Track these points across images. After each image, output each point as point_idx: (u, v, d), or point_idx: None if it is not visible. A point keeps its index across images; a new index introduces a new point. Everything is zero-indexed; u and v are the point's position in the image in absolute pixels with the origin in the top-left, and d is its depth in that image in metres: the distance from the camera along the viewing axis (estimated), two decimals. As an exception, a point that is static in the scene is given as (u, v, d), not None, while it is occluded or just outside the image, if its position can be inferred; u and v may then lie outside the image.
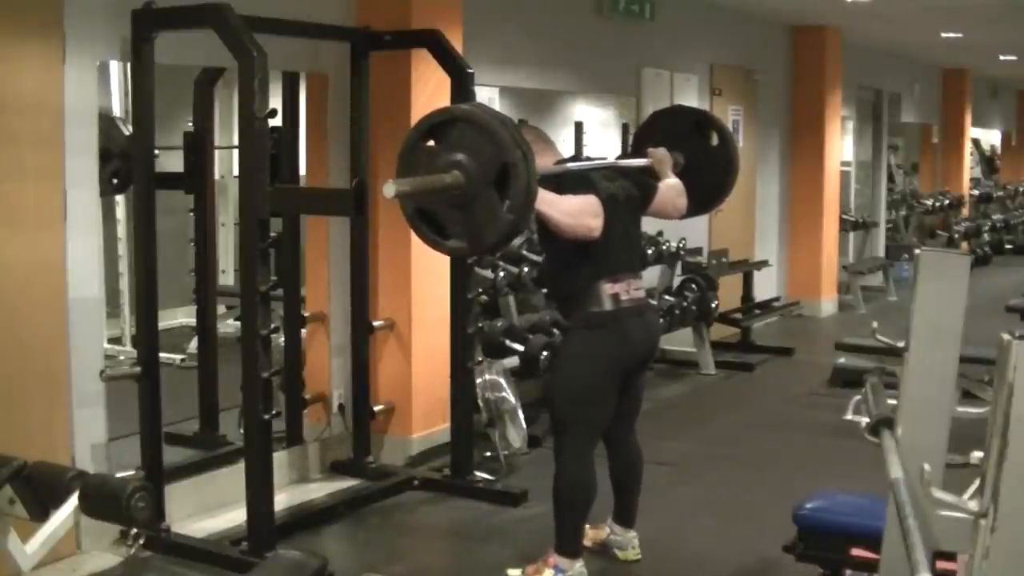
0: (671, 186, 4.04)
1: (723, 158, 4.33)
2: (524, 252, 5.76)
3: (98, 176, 4.37)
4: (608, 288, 3.73)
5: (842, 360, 6.88)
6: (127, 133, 4.85)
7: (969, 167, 14.92)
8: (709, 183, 4.30)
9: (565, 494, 3.77)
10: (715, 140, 4.36)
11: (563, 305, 3.99)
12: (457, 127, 3.26)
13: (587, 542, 4.02)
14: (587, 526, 4.04)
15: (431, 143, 3.29)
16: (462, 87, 4.75)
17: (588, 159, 3.85)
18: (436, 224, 3.30)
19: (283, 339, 4.97)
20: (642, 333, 3.84)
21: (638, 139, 4.40)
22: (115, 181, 4.33)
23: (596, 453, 3.89)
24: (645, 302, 3.93)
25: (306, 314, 5.20)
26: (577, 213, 3.64)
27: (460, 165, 3.18)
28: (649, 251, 6.73)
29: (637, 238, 4.00)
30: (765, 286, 9.02)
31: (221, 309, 5.92)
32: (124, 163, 4.96)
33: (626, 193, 3.88)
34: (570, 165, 3.79)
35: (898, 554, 1.75)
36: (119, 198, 6.47)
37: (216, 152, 5.36)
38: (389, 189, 3.09)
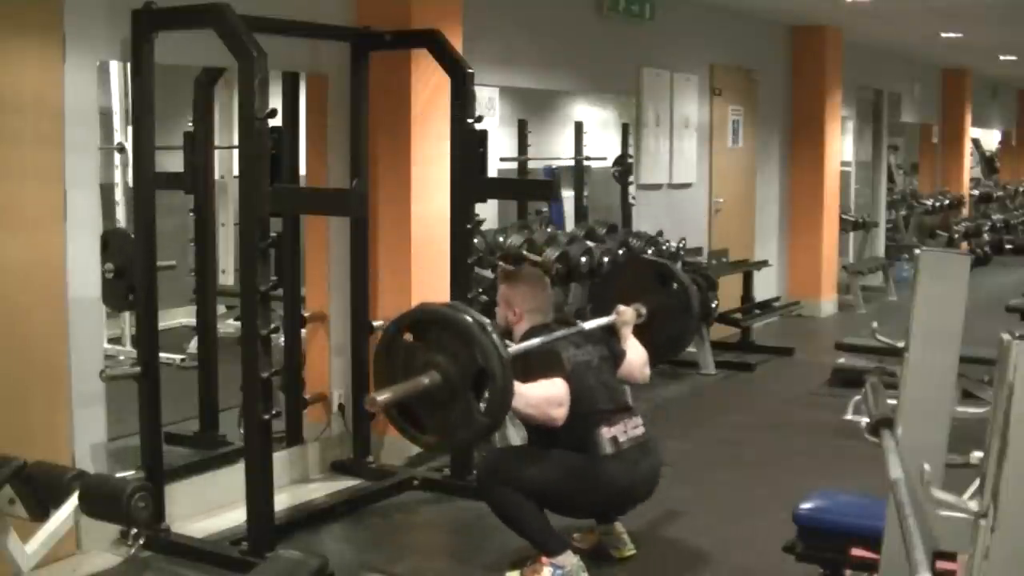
0: (638, 355, 4.12)
1: (682, 306, 4.46)
2: (524, 252, 5.76)
3: (115, 291, 4.47)
4: (606, 433, 3.78)
5: (842, 360, 6.88)
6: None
7: (969, 167, 14.92)
8: (671, 331, 4.45)
9: (509, 515, 3.79)
10: (675, 287, 4.50)
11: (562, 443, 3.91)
12: (436, 327, 3.37)
13: (583, 547, 4.04)
14: (577, 534, 4.10)
15: (409, 337, 3.40)
16: (462, 87, 4.75)
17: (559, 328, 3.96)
18: (414, 419, 3.41)
19: (283, 339, 4.97)
20: (643, 475, 3.88)
21: (597, 289, 4.52)
22: (131, 297, 4.42)
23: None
24: (646, 440, 3.94)
25: (306, 314, 5.20)
26: (541, 404, 3.67)
27: (438, 366, 3.29)
28: (649, 251, 6.73)
29: (619, 387, 4.04)
30: (765, 286, 9.02)
31: (221, 309, 5.91)
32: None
33: (599, 356, 3.96)
34: (538, 340, 3.79)
35: (898, 554, 1.75)
36: (119, 198, 6.46)
37: (216, 152, 5.36)
38: (372, 403, 3.24)
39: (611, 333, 4.10)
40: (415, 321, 3.46)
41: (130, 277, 4.34)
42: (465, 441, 3.63)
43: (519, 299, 3.98)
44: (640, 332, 4.20)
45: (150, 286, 4.13)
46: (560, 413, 3.69)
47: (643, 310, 4.25)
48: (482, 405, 3.31)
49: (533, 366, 3.70)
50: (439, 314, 3.46)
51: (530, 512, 3.77)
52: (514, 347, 3.66)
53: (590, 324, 4.12)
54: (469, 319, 3.33)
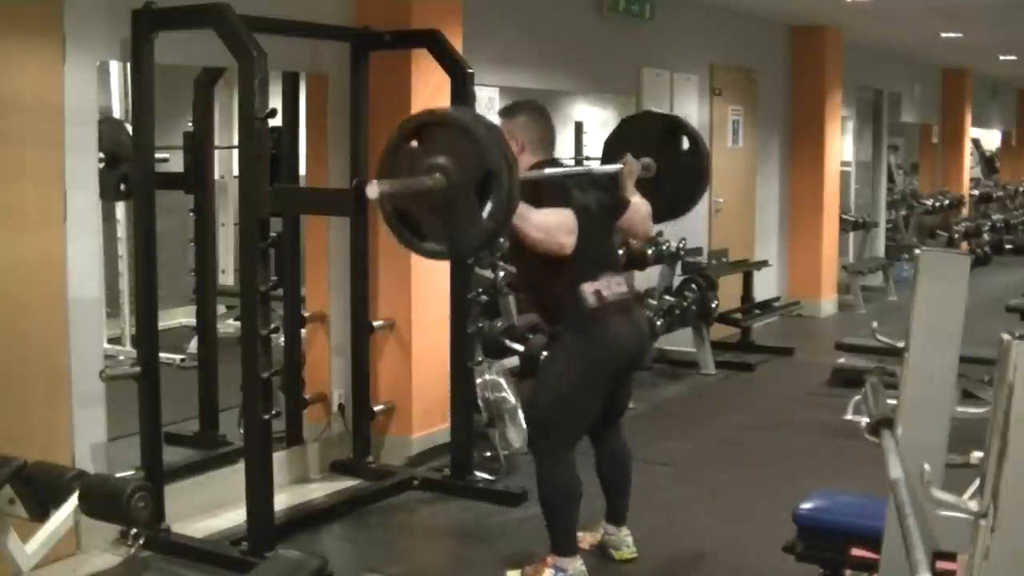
0: (641, 208, 4.03)
1: (694, 163, 4.33)
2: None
3: (105, 181, 4.36)
4: (589, 287, 3.73)
5: (842, 360, 6.88)
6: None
7: (969, 167, 14.92)
8: (681, 189, 4.32)
9: (552, 498, 3.78)
10: (686, 145, 4.36)
11: (546, 312, 3.97)
12: (442, 130, 3.25)
13: (583, 545, 4.03)
14: (580, 532, 4.05)
15: (414, 144, 3.27)
16: (462, 87, 4.75)
17: (566, 164, 3.85)
18: (414, 226, 3.29)
19: (283, 339, 4.97)
20: (630, 331, 3.84)
21: (609, 145, 4.39)
22: (123, 187, 4.32)
23: (584, 452, 3.91)
24: (630, 300, 3.92)
25: (306, 314, 5.20)
26: (551, 229, 3.63)
27: (443, 169, 3.16)
28: (649, 251, 6.73)
29: (611, 243, 3.98)
30: (765, 286, 9.02)
31: (221, 309, 5.91)
32: (132, 168, 4.95)
33: (599, 203, 3.89)
34: (547, 172, 3.76)
35: (898, 554, 1.75)
36: (119, 198, 6.46)
37: (216, 152, 5.36)
38: (372, 190, 3.10)
39: (616, 183, 4.01)
40: (421, 125, 3.31)
41: (122, 166, 4.24)
42: (468, 247, 3.45)
43: (520, 129, 3.85)
44: (647, 187, 4.09)
45: (150, 286, 4.13)
46: (571, 240, 3.64)
47: (652, 164, 4.14)
48: (488, 210, 3.18)
49: (540, 197, 3.64)
50: (445, 116, 3.36)
51: (567, 503, 3.76)
52: (523, 174, 3.56)
53: (597, 169, 4.07)
54: (476, 120, 3.25)
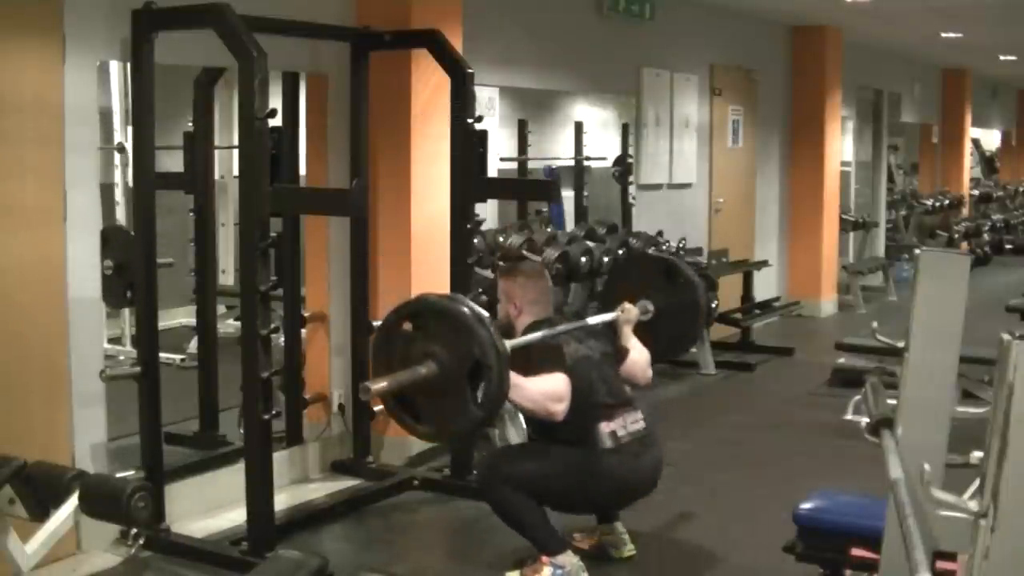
0: (640, 358, 4.09)
1: (689, 304, 4.41)
2: (524, 252, 5.76)
3: (112, 288, 4.45)
4: (605, 427, 3.78)
5: (842, 360, 6.88)
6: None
7: (969, 167, 14.92)
8: (678, 328, 4.41)
9: (510, 514, 3.80)
10: (682, 284, 4.45)
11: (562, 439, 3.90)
12: (435, 317, 3.37)
13: (583, 546, 4.05)
14: (577, 534, 4.10)
15: (408, 327, 3.41)
16: (462, 87, 4.75)
17: (561, 321, 3.98)
18: (410, 407, 3.41)
19: (283, 339, 4.97)
20: (644, 468, 3.87)
21: (608, 284, 4.50)
22: (129, 294, 4.42)
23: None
24: (647, 435, 3.93)
25: (306, 314, 5.20)
26: (541, 399, 3.66)
27: (435, 356, 3.29)
28: (649, 251, 6.73)
29: (619, 382, 3.99)
30: (765, 286, 9.02)
31: (221, 309, 5.91)
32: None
33: (601, 351, 3.95)
34: (540, 334, 3.78)
35: (898, 554, 1.75)
36: (119, 197, 6.46)
37: (216, 152, 5.36)
38: (365, 392, 3.25)
39: (614, 330, 4.09)
40: (415, 311, 3.46)
41: (129, 274, 4.34)
42: (459, 432, 3.62)
43: (519, 292, 3.97)
44: (645, 329, 4.17)
45: (150, 286, 4.13)
46: (560, 408, 3.68)
47: (650, 307, 4.22)
48: (479, 397, 3.31)
49: (534, 360, 3.69)
50: (438, 305, 3.46)
51: (531, 512, 3.77)
52: (515, 341, 3.65)
53: (593, 320, 4.11)
54: (467, 311, 3.33)
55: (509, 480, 3.76)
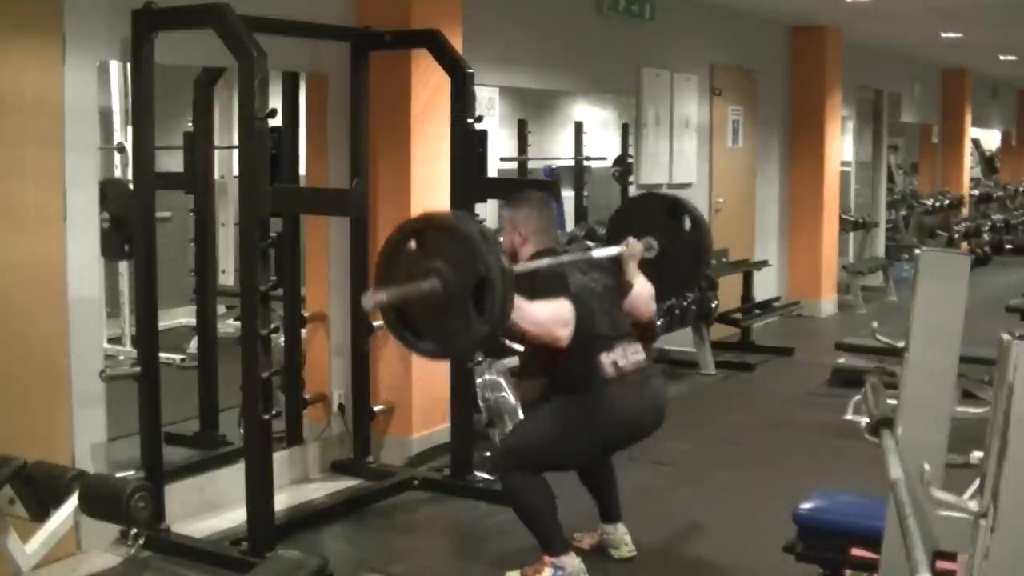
0: (644, 291, 4.05)
1: (695, 243, 4.37)
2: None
3: (110, 242, 4.43)
4: (606, 358, 3.75)
5: (842, 360, 6.88)
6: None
7: (969, 167, 14.92)
8: (684, 267, 4.36)
9: (525, 511, 3.79)
10: (688, 225, 4.40)
11: (560, 388, 3.89)
12: (440, 235, 3.33)
13: (583, 546, 4.05)
14: (578, 533, 4.09)
15: (413, 245, 3.36)
16: (462, 87, 4.75)
17: (566, 251, 3.95)
18: (412, 325, 3.36)
19: (283, 339, 4.97)
20: (646, 403, 3.85)
21: (613, 224, 4.45)
22: (126, 248, 4.38)
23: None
24: (648, 367, 3.92)
25: (306, 314, 5.20)
26: (547, 322, 3.64)
27: (439, 272, 3.24)
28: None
29: (621, 315, 3.97)
30: (765, 286, 9.02)
31: (221, 309, 5.91)
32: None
33: (603, 284, 3.92)
34: (546, 261, 3.78)
35: (898, 554, 1.75)
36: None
37: (216, 152, 5.36)
38: (367, 301, 3.21)
39: (618, 265, 4.04)
40: (419, 229, 3.39)
41: (127, 227, 4.30)
42: (462, 349, 3.55)
43: (523, 220, 3.93)
44: (650, 267, 4.11)
45: (150, 285, 4.13)
46: (565, 333, 3.65)
47: (655, 244, 4.16)
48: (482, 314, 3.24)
49: (539, 287, 3.66)
50: (443, 222, 3.42)
51: (543, 507, 3.76)
52: (520, 265, 3.62)
53: (598, 252, 4.09)
54: (473, 227, 3.30)
55: (521, 454, 3.75)
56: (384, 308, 3.33)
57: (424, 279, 3.24)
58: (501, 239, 4.00)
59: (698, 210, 4.49)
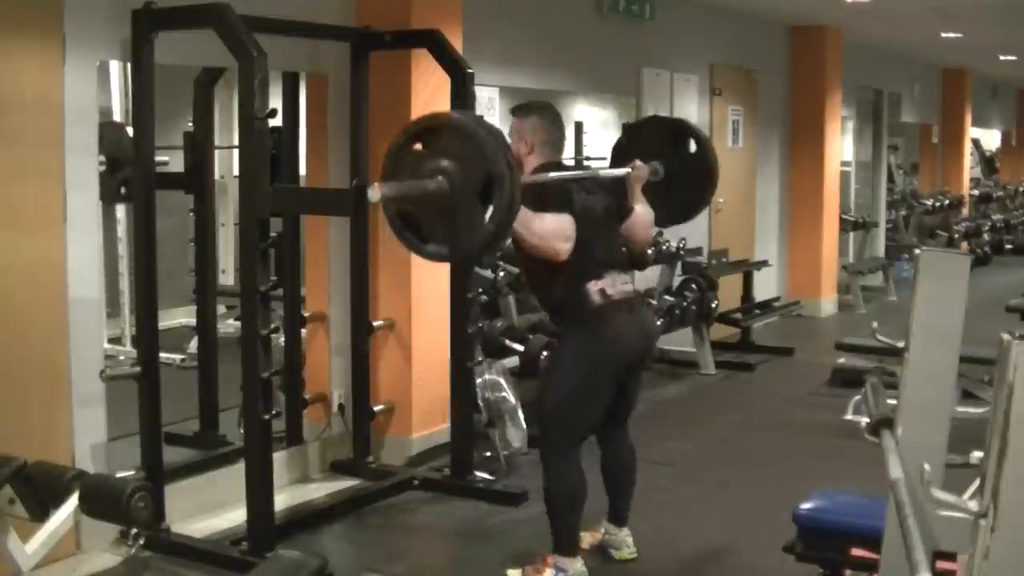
0: (644, 216, 4.04)
1: (701, 165, 4.34)
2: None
3: (106, 184, 4.38)
4: (594, 286, 3.74)
5: (842, 360, 6.88)
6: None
7: (969, 167, 14.92)
8: (689, 191, 4.33)
9: (557, 499, 3.79)
10: (693, 147, 4.37)
11: (551, 310, 4.01)
12: (445, 134, 3.27)
13: (584, 545, 4.03)
14: (582, 531, 4.06)
15: (418, 147, 3.29)
16: (462, 87, 4.75)
17: (572, 167, 3.88)
18: (416, 228, 3.31)
19: (283, 339, 4.97)
20: (635, 328, 3.84)
21: (617, 151, 4.42)
22: (123, 190, 4.35)
23: (590, 451, 3.92)
24: (635, 296, 3.93)
25: (306, 314, 5.20)
26: (548, 235, 3.64)
27: (445, 172, 3.19)
28: (649, 251, 6.72)
29: (616, 243, 3.97)
30: (765, 286, 9.02)
31: (221, 309, 5.91)
32: (132, 169, 4.97)
33: (604, 206, 3.90)
34: (552, 175, 3.78)
35: (898, 554, 1.75)
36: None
37: (216, 152, 5.36)
38: (374, 193, 3.12)
39: (623, 187, 4.02)
40: (425, 129, 3.34)
41: (123, 170, 4.28)
42: (468, 250, 3.49)
43: (530, 130, 3.90)
44: (656, 191, 4.10)
45: (150, 285, 4.13)
46: (566, 247, 3.65)
47: (660, 168, 4.14)
48: (488, 214, 3.20)
49: (543, 200, 3.65)
50: (449, 120, 3.39)
51: (572, 504, 3.77)
52: (526, 178, 3.60)
53: (604, 172, 4.08)
54: (480, 125, 3.28)
55: (560, 427, 3.76)
56: (387, 204, 3.27)
57: (430, 178, 3.19)
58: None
59: (703, 132, 4.45)
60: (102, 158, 4.47)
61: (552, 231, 3.64)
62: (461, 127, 3.28)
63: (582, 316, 3.75)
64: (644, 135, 4.50)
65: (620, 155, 4.30)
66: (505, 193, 3.15)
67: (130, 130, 4.23)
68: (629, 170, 4.02)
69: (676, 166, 4.23)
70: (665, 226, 4.22)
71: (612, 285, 3.78)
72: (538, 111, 3.98)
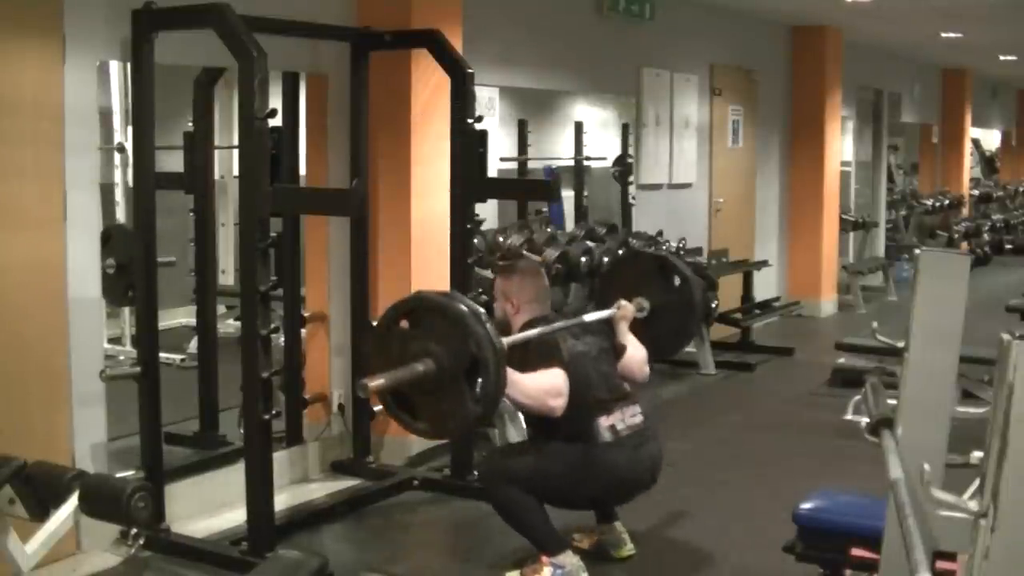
0: (637, 354, 4.08)
1: (684, 301, 4.43)
2: (524, 252, 5.75)
3: (113, 287, 4.47)
4: (604, 421, 3.78)
5: (842, 360, 6.88)
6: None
7: (969, 167, 14.92)
8: (673, 326, 4.43)
9: (509, 510, 3.80)
10: (677, 282, 4.44)
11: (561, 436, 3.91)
12: (431, 315, 3.37)
13: (583, 546, 4.05)
14: (577, 534, 4.10)
15: (405, 325, 3.40)
16: (462, 87, 4.75)
17: (558, 319, 3.99)
18: (408, 406, 3.41)
19: (283, 339, 4.97)
20: (643, 466, 3.87)
21: (604, 282, 4.50)
22: (130, 294, 4.43)
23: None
24: (645, 428, 3.94)
25: (306, 314, 5.20)
26: (539, 395, 3.67)
27: (432, 354, 3.29)
28: (645, 249, 6.72)
29: (616, 378, 3.99)
30: (765, 286, 9.02)
31: (221, 309, 5.91)
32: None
33: (598, 347, 3.95)
34: (537, 331, 3.79)
35: (898, 554, 1.75)
36: (119, 198, 6.46)
37: (216, 152, 5.35)
38: (364, 389, 3.23)
39: (610, 327, 4.08)
40: (411, 308, 3.45)
41: (130, 273, 4.34)
42: (456, 430, 3.63)
43: (515, 290, 3.98)
44: (642, 327, 4.17)
45: (150, 285, 4.13)
46: (559, 404, 3.68)
47: (646, 304, 4.23)
48: (477, 394, 3.30)
49: (532, 356, 3.69)
50: (435, 302, 3.46)
51: (532, 511, 3.77)
52: (512, 337, 3.65)
53: (590, 316, 4.11)
54: (464, 308, 3.34)
55: (510, 477, 3.77)
56: (381, 393, 3.36)
57: (418, 360, 3.29)
58: (495, 306, 4.07)
59: (687, 267, 4.58)
60: (111, 261, 4.50)
61: (544, 390, 3.67)
62: (446, 310, 3.35)
63: (590, 446, 3.76)
64: (628, 271, 4.68)
65: (605, 289, 4.41)
66: (491, 376, 3.25)
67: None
68: (615, 310, 4.07)
69: (661, 297, 4.36)
70: (659, 358, 4.30)
71: (621, 420, 3.83)
72: (522, 271, 4.08)
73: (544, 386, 3.67)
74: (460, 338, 3.27)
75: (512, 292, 3.99)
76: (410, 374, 3.28)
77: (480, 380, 3.27)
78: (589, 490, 3.84)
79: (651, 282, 4.42)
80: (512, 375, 3.47)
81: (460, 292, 4.82)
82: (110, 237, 4.41)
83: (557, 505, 3.88)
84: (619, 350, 4.05)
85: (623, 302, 4.11)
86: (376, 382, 3.27)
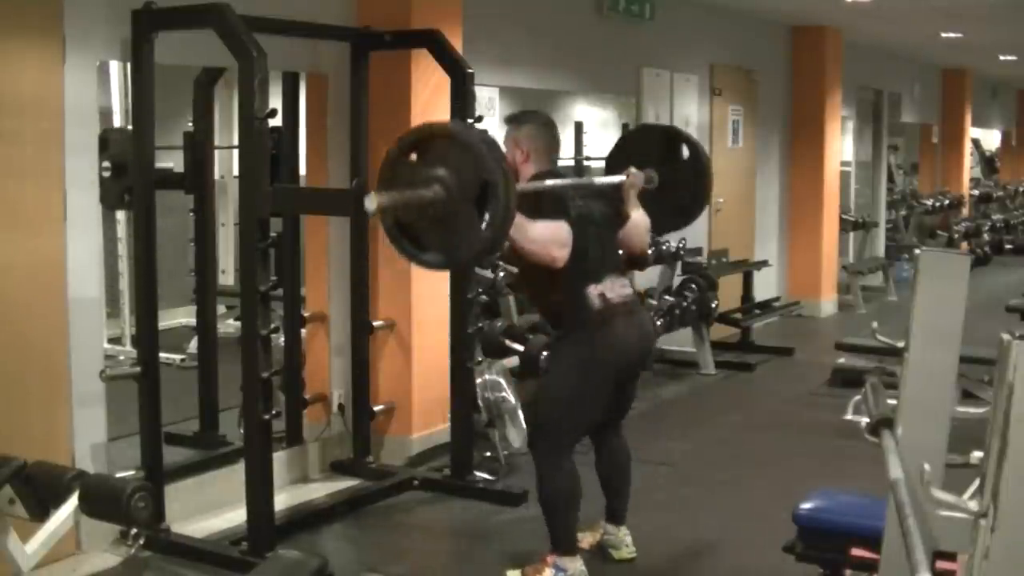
0: (640, 223, 4.04)
1: (695, 170, 4.34)
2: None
3: (110, 190, 4.39)
4: (593, 290, 3.75)
5: (842, 360, 6.88)
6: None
7: (969, 167, 14.92)
8: (685, 197, 4.34)
9: (552, 500, 3.80)
10: (686, 153, 4.38)
11: (550, 315, 4.02)
12: (440, 143, 3.29)
13: (583, 545, 4.03)
14: (580, 533, 4.06)
15: (413, 157, 3.30)
16: (462, 87, 4.75)
17: (568, 174, 3.90)
18: (413, 237, 3.32)
19: (283, 339, 4.97)
20: (634, 332, 3.84)
21: (611, 160, 4.43)
22: (126, 197, 4.37)
23: (583, 451, 3.94)
24: (634, 301, 3.93)
25: (306, 314, 5.20)
26: (544, 242, 3.65)
27: (441, 180, 3.20)
28: (649, 251, 6.71)
29: (613, 247, 3.97)
30: (765, 286, 9.02)
31: (221, 309, 5.91)
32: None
33: (601, 212, 3.91)
34: (548, 183, 3.79)
35: (898, 554, 1.75)
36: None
37: (216, 152, 5.35)
38: (370, 202, 3.14)
39: (618, 194, 4.02)
40: (420, 139, 3.35)
41: (127, 176, 4.30)
42: (466, 258, 3.52)
43: (525, 139, 3.91)
44: (650, 200, 4.11)
45: (150, 286, 4.13)
46: (562, 254, 3.66)
47: (655, 176, 4.15)
48: (485, 221, 3.21)
49: (539, 208, 3.66)
50: (443, 129, 3.40)
51: (568, 502, 3.78)
52: (522, 185, 3.61)
53: (600, 180, 4.08)
54: (475, 133, 3.29)
55: (554, 430, 3.76)
56: (385, 213, 3.28)
57: (426, 187, 3.20)
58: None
59: (695, 138, 4.47)
60: (107, 163, 4.46)
61: (548, 237, 3.66)
62: (455, 136, 3.30)
63: (582, 321, 3.75)
64: (636, 144, 4.52)
65: (614, 164, 4.32)
66: (501, 199, 3.16)
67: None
68: (624, 177, 4.03)
69: (670, 173, 4.25)
70: (663, 233, 4.23)
71: (611, 289, 3.79)
72: (532, 120, 4.00)
73: (552, 234, 3.65)
74: (470, 164, 3.18)
75: (522, 140, 3.91)
76: (418, 197, 3.19)
77: (489, 207, 3.17)
78: (603, 367, 3.75)
79: (660, 155, 4.30)
80: (520, 218, 3.42)
81: (460, 292, 4.85)
82: (106, 140, 4.32)
83: (595, 412, 3.82)
84: (623, 218, 3.99)
85: (633, 169, 4.04)
86: (383, 198, 3.17)
